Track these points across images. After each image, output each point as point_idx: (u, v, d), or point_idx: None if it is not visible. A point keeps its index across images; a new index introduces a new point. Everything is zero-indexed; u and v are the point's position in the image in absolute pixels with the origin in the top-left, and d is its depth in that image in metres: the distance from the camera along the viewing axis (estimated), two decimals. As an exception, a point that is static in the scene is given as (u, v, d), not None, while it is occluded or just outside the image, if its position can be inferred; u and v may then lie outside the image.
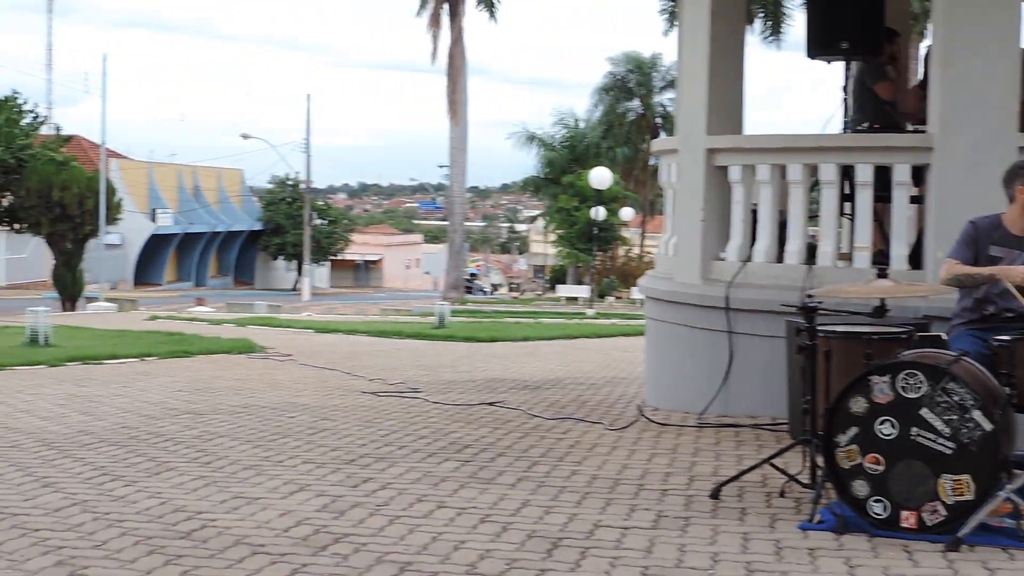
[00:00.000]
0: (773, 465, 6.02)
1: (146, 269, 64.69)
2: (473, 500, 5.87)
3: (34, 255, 57.57)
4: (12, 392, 10.36)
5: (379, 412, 9.05)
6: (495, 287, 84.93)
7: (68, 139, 42.90)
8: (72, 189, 37.93)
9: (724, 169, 8.79)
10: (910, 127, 8.93)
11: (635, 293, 44.42)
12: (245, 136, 62.07)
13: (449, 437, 7.81)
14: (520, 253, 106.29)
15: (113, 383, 11.13)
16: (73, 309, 36.81)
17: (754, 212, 8.70)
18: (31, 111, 40.13)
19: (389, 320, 27.34)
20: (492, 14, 51.56)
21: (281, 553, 4.84)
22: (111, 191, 40.86)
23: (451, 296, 46.92)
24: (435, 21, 50.72)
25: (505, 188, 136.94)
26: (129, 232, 59.15)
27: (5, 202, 39.14)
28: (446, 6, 50.57)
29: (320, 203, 75.12)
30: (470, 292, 73.40)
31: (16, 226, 40.35)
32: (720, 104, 8.95)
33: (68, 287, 38.86)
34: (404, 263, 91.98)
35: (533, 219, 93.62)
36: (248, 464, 6.79)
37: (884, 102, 9.04)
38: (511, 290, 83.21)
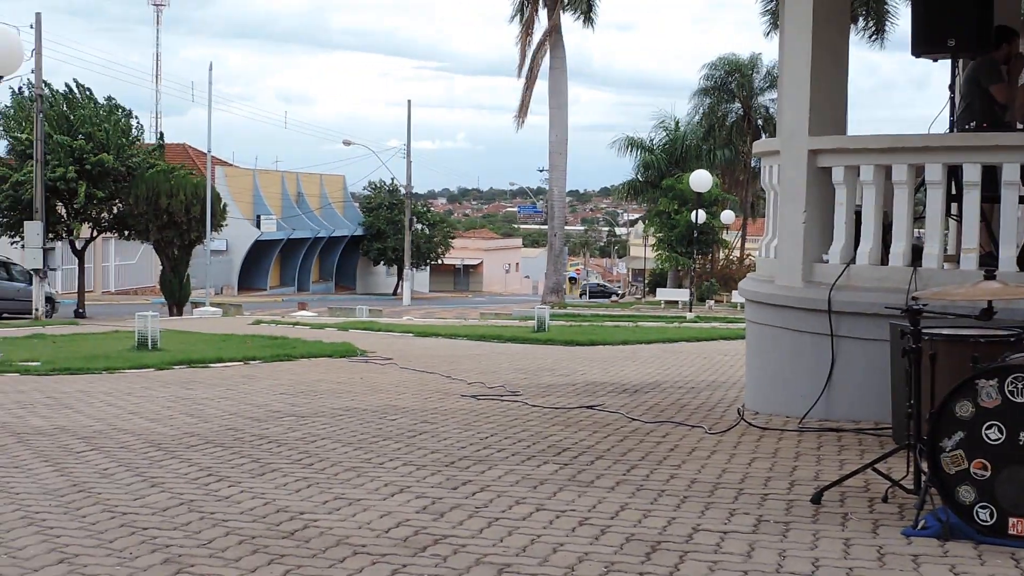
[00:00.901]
0: (876, 470, 5.93)
1: (250, 274, 65.78)
2: (572, 503, 5.88)
3: (143, 261, 59.02)
4: (122, 395, 10.62)
5: (478, 415, 9.10)
6: (625, 290, 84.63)
7: (162, 147, 43.63)
8: (179, 196, 38.71)
9: (827, 170, 8.68)
10: (1020, 126, 8.72)
11: (735, 296, 44.10)
12: (347, 142, 62.84)
13: (548, 440, 7.82)
14: (620, 257, 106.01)
15: (218, 386, 11.36)
16: (180, 314, 37.59)
17: (857, 214, 8.57)
18: (134, 119, 40.98)
19: (489, 324, 27.44)
20: (588, 18, 51.34)
21: (382, 554, 4.89)
22: (216, 198, 41.62)
23: (551, 300, 46.94)
24: (527, 30, 50.72)
25: (605, 192, 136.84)
26: (234, 238, 60.21)
27: (115, 209, 40.11)
28: (542, 13, 50.55)
29: (420, 208, 75.74)
30: (610, 296, 73.33)
31: (125, 233, 41.36)
32: (823, 105, 8.83)
33: (175, 292, 39.69)
34: (503, 267, 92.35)
35: (633, 223, 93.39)
36: (349, 466, 6.87)
37: (996, 102, 8.84)
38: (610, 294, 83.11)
